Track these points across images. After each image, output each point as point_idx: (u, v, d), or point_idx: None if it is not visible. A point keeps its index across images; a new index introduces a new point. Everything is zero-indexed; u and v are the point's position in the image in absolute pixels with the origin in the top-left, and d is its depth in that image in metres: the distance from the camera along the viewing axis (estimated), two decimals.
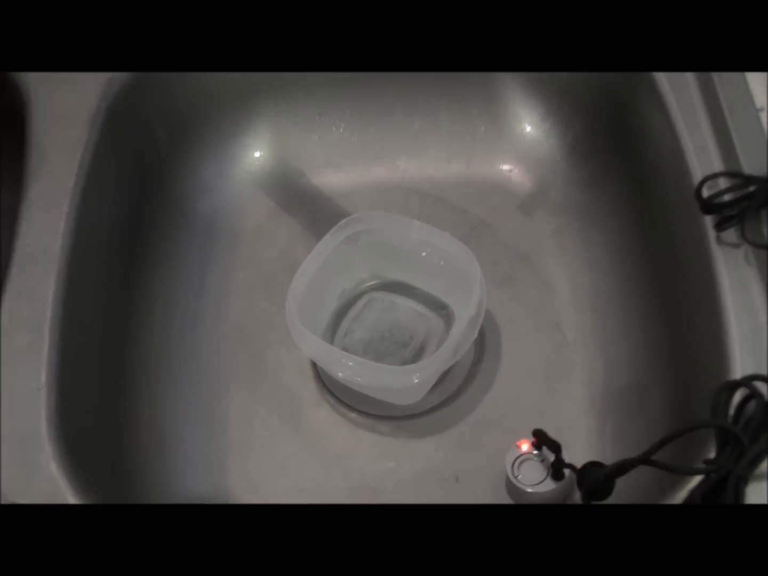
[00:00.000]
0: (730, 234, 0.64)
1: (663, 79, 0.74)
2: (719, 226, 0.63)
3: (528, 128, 0.88)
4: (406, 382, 0.71)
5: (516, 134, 0.89)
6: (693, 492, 0.51)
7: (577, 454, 0.67)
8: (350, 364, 0.71)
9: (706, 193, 0.64)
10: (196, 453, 0.74)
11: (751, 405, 0.54)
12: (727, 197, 0.64)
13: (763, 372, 0.57)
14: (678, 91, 0.73)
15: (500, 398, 0.76)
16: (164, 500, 0.69)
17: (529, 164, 0.88)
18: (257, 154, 0.89)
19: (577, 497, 0.68)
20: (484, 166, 0.89)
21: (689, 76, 0.73)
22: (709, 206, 0.63)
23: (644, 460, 0.52)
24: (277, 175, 0.89)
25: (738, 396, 0.55)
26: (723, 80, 0.71)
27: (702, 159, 0.68)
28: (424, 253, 0.78)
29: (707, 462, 0.52)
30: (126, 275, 0.78)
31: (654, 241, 0.75)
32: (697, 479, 0.53)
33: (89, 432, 0.67)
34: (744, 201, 0.62)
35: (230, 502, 0.71)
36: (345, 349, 0.77)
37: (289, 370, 0.79)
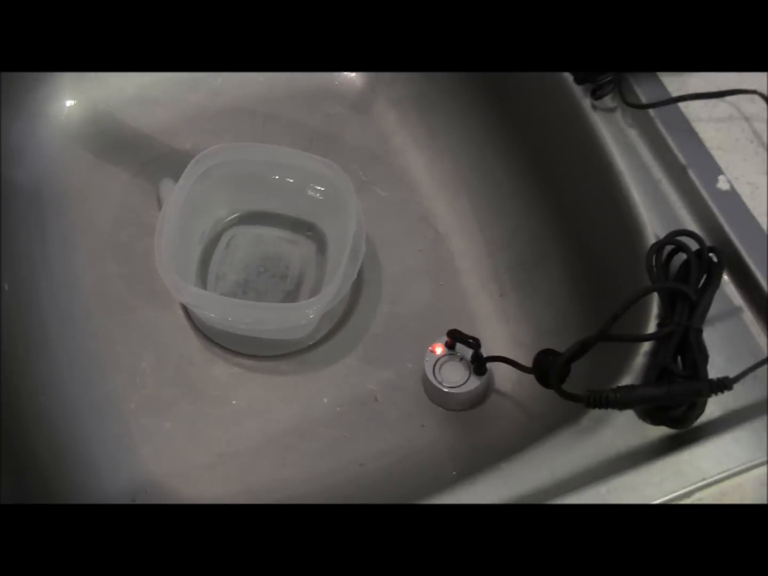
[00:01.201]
0: (604, 100, 0.64)
1: None
2: (595, 94, 0.63)
3: None
4: (306, 317, 0.67)
5: None
6: (661, 355, 0.51)
7: (488, 343, 0.67)
8: (250, 312, 0.66)
9: None
10: (98, 447, 0.67)
11: (676, 261, 0.56)
12: None
13: (670, 226, 0.58)
14: None
15: (392, 306, 0.74)
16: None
17: None
18: (65, 104, 0.80)
19: (498, 389, 0.69)
20: (306, 73, 0.84)
21: None
22: (583, 76, 0.63)
23: (602, 336, 0.52)
24: (89, 124, 0.80)
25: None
26: None
27: None
28: (276, 176, 0.74)
29: (663, 324, 0.53)
30: None
31: (513, 118, 0.74)
32: (646, 348, 0.54)
33: None
34: None
35: (152, 488, 0.66)
36: (223, 296, 0.72)
37: (165, 332, 0.73)
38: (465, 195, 0.78)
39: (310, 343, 0.72)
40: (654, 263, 0.54)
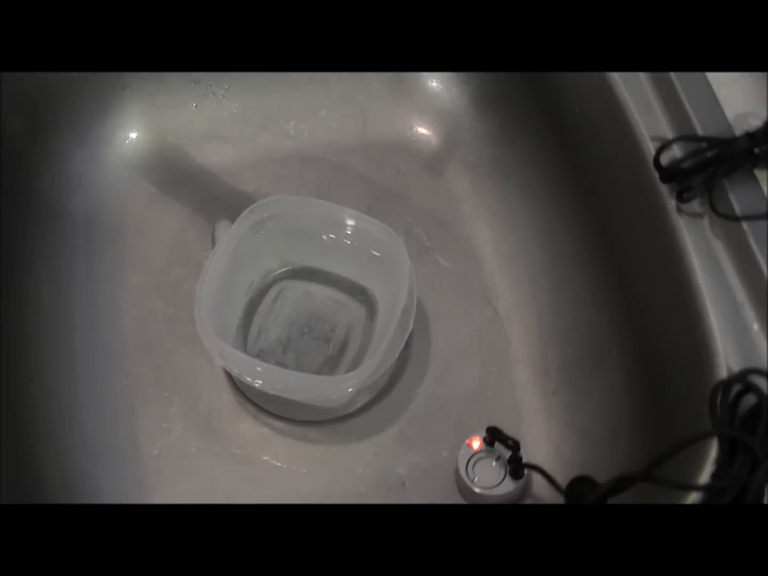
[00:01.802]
0: (692, 203, 0.59)
1: None
2: (681, 196, 0.58)
3: (427, 78, 0.80)
4: (341, 392, 0.64)
5: (414, 86, 0.81)
6: None
7: (530, 443, 0.63)
8: (282, 379, 0.63)
9: (664, 159, 0.59)
10: (112, 490, 0.65)
11: (746, 402, 0.50)
12: (688, 164, 0.58)
13: (747, 360, 0.53)
14: None
15: (437, 386, 0.70)
16: None
17: (432, 119, 0.81)
18: (132, 135, 0.78)
19: (534, 494, 0.65)
20: (382, 125, 0.81)
21: None
22: (670, 174, 0.58)
23: (645, 476, 0.47)
24: (153, 156, 0.79)
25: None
26: None
27: (645, 116, 0.63)
28: (333, 235, 0.71)
29: (718, 475, 0.48)
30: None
31: (591, 205, 0.70)
32: (694, 495, 0.49)
33: None
34: (708, 167, 0.57)
35: None
36: (262, 352, 0.69)
37: (200, 380, 0.70)
38: (530, 277, 0.74)
39: (345, 413, 0.69)
40: (719, 402, 0.49)
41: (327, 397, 0.65)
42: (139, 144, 0.78)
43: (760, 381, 0.50)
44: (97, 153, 0.76)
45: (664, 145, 0.59)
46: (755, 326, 0.55)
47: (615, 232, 0.67)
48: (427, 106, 0.81)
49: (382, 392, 0.70)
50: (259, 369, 0.63)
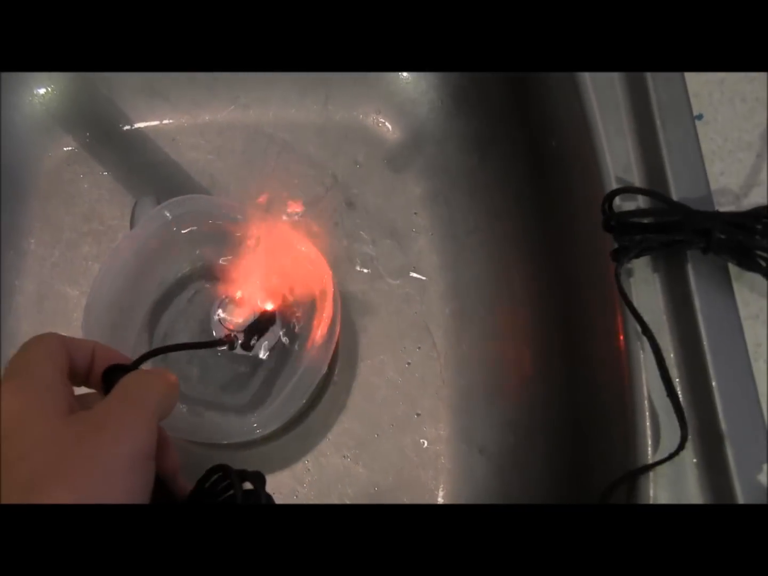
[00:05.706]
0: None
1: None
2: (616, 256, 0.48)
3: None
4: (243, 429, 0.57)
5: None
6: None
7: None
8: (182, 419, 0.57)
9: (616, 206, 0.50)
10: None
11: None
12: (635, 220, 0.48)
13: None
14: None
15: (353, 422, 0.64)
16: None
17: (401, 107, 0.71)
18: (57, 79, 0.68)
19: None
20: (345, 105, 0.71)
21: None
22: (613, 224, 0.48)
23: None
24: (79, 106, 0.69)
25: None
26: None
27: (618, 157, 0.52)
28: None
29: None
30: None
31: (554, 239, 0.61)
32: None
33: None
34: (654, 232, 0.48)
35: None
36: (164, 359, 0.62)
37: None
38: (481, 309, 0.66)
39: (248, 439, 0.62)
40: None
41: (230, 433, 0.58)
42: (65, 91, 0.68)
43: None
44: (13, 96, 0.66)
45: (617, 191, 0.49)
46: None
47: (569, 278, 0.59)
48: (397, 91, 0.70)
49: (292, 421, 0.63)
50: None
